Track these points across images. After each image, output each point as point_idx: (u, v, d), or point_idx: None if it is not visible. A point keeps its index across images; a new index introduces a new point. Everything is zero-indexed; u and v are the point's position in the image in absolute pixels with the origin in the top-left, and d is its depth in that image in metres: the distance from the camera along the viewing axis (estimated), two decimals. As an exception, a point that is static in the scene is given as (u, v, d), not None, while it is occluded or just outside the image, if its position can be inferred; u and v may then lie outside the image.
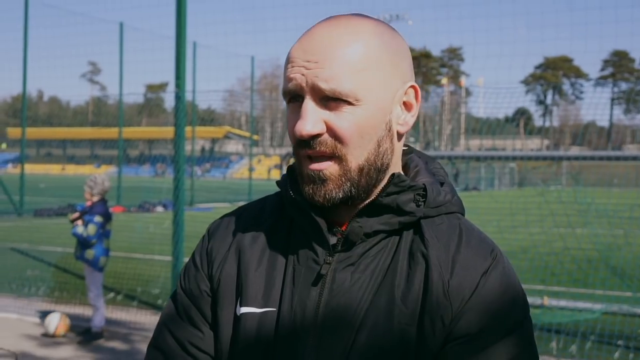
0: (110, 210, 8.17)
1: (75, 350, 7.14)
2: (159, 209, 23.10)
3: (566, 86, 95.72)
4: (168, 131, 8.13)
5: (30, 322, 8.16)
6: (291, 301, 1.22)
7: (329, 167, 1.17)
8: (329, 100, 1.15)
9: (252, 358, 1.23)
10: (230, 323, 1.26)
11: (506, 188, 48.03)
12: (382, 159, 1.21)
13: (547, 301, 8.85)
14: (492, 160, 36.87)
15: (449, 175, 1.38)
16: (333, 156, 1.17)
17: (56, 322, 7.51)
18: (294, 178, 1.25)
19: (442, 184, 1.30)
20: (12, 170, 27.59)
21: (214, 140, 61.13)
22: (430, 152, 21.41)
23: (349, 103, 1.14)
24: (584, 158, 9.80)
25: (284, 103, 1.25)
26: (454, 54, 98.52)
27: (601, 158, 10.44)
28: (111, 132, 36.29)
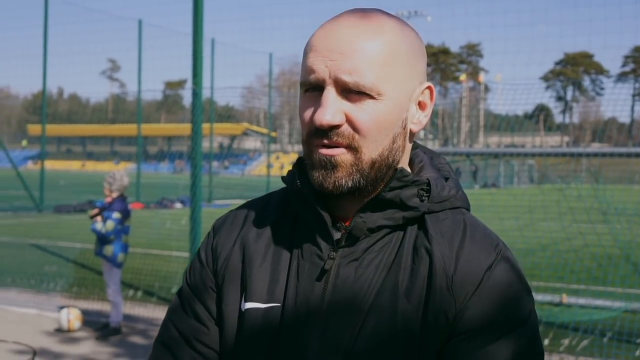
0: (130, 206, 8.22)
1: (94, 345, 7.18)
2: (178, 205, 23.12)
3: (586, 82, 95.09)
4: (186, 128, 8.14)
5: (50, 317, 8.20)
6: (295, 296, 1.23)
7: (341, 154, 1.17)
8: (351, 93, 1.15)
9: (257, 353, 1.24)
10: (235, 318, 1.27)
11: (525, 185, 47.66)
12: (394, 155, 1.22)
13: (565, 299, 8.79)
14: (510, 157, 36.66)
15: (454, 171, 1.37)
16: (348, 147, 1.17)
17: (66, 316, 7.57)
18: (303, 169, 1.25)
19: (446, 179, 1.30)
20: (32, 167, 27.74)
21: (232, 137, 61.20)
22: (449, 149, 21.38)
23: (371, 97, 1.15)
24: (604, 155, 9.71)
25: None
26: (473, 50, 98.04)
27: (621, 155, 10.36)
28: (130, 129, 36.48)
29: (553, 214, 13.10)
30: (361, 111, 1.15)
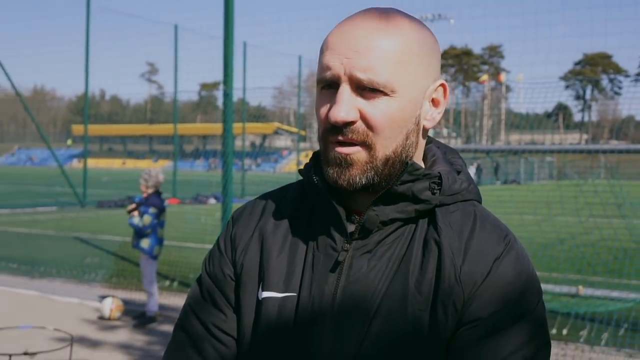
0: (166, 202, 8.27)
1: (130, 333, 7.24)
2: (212, 200, 23.25)
3: (605, 82, 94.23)
4: (220, 127, 8.17)
5: (90, 306, 8.30)
6: (310, 287, 1.21)
7: (356, 153, 1.16)
8: (365, 90, 1.14)
9: (273, 341, 1.23)
10: (252, 307, 1.26)
11: (545, 181, 47.39)
12: (407, 152, 1.20)
13: (582, 291, 8.75)
14: (530, 154, 36.42)
15: (466, 166, 1.35)
16: (363, 144, 1.16)
17: (109, 305, 7.65)
18: (319, 164, 1.24)
19: (458, 172, 1.28)
20: (76, 164, 28.04)
21: (264, 136, 61.43)
22: (470, 146, 21.28)
23: (384, 94, 1.14)
24: (620, 152, 9.58)
25: None
26: (495, 51, 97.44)
27: (637, 152, 10.26)
28: (167, 129, 36.83)
29: (571, 209, 13.01)
30: (375, 108, 1.14)
